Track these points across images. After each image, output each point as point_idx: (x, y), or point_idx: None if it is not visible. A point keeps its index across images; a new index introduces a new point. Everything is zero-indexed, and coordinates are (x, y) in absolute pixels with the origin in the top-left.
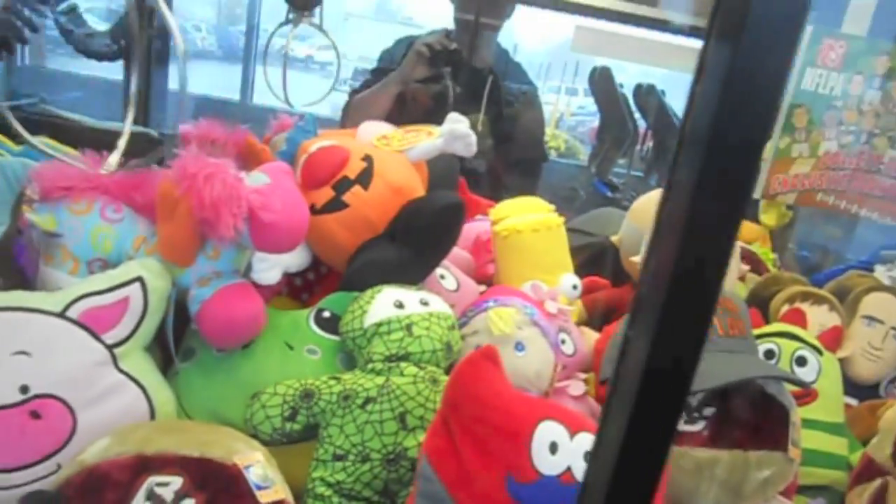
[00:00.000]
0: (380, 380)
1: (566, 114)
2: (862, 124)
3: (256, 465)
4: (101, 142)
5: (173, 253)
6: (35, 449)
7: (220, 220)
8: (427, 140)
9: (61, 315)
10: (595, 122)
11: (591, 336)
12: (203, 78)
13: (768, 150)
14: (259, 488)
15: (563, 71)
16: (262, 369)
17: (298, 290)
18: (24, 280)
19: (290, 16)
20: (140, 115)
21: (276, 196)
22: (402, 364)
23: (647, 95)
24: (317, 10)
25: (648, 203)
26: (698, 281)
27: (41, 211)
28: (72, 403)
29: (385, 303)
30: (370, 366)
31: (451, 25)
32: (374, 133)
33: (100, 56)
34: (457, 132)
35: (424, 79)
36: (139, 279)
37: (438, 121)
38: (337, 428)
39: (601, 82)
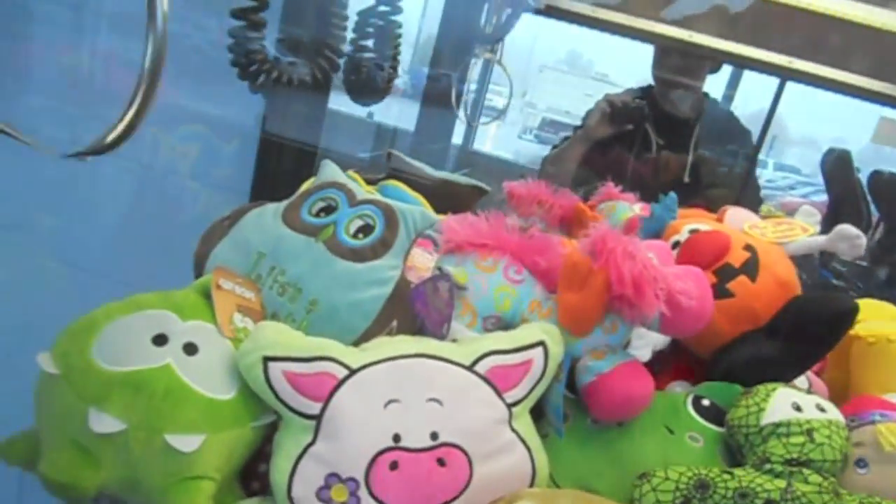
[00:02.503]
0: (780, 483)
1: None
2: None
3: None
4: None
5: (575, 322)
6: (435, 495)
7: (644, 298)
8: (804, 236)
9: (470, 368)
10: (786, 198)
11: None
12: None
13: None
14: None
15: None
16: (641, 449)
17: None
18: (416, 326)
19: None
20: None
21: (692, 281)
22: (805, 471)
23: (887, 182)
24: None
25: None
26: None
27: (448, 262)
28: (472, 455)
29: (783, 403)
30: (767, 466)
31: (647, 82)
32: (741, 220)
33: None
34: (845, 232)
35: (627, 131)
36: (542, 343)
37: (644, 170)
38: None
39: (838, 166)
